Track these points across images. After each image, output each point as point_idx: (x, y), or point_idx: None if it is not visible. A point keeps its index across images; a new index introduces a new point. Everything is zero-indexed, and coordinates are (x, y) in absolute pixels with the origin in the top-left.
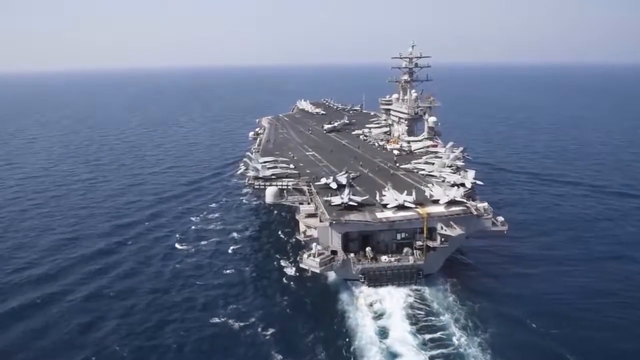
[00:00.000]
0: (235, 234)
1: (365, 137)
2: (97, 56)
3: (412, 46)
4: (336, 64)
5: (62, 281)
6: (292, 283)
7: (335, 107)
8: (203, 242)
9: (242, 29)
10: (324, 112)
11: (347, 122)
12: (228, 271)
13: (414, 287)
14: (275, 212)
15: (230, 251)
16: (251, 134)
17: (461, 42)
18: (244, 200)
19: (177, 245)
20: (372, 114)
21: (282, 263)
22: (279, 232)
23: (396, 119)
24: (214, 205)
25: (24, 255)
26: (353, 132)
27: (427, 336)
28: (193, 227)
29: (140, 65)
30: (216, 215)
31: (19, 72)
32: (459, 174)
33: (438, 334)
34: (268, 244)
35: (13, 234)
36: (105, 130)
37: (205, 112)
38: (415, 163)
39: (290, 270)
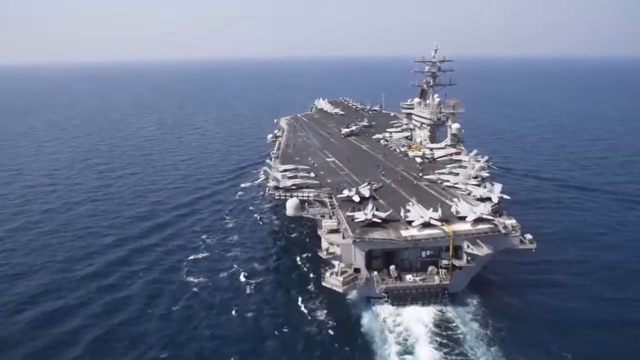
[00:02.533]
0: (253, 250)
1: (386, 142)
2: (104, 49)
3: (435, 50)
4: (348, 56)
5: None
6: (313, 299)
7: (354, 106)
8: (218, 268)
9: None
10: (342, 113)
11: (367, 124)
12: (248, 291)
13: (439, 306)
14: (295, 225)
15: (248, 271)
16: (269, 136)
17: (461, 36)
18: (263, 211)
19: (188, 278)
20: (392, 114)
21: (303, 278)
22: (300, 247)
23: (418, 124)
24: (229, 218)
25: (22, 284)
26: (373, 137)
27: (451, 358)
28: (206, 249)
29: (146, 58)
30: (232, 228)
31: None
32: (485, 187)
33: (462, 357)
34: (288, 259)
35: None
36: (116, 132)
37: (220, 110)
38: (439, 173)
39: (312, 287)
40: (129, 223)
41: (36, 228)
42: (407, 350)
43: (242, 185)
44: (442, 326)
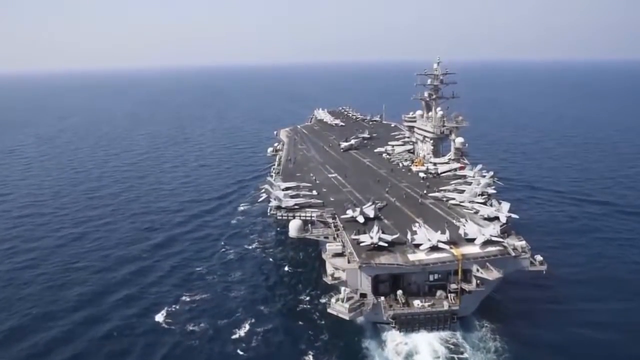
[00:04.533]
0: (255, 274)
1: (388, 156)
2: (96, 57)
3: (438, 63)
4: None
5: None
6: (318, 326)
7: (354, 117)
8: (213, 305)
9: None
10: (342, 124)
11: (368, 136)
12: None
13: (448, 331)
14: (299, 247)
15: (248, 297)
16: (270, 150)
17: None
18: (265, 234)
19: (164, 325)
20: (392, 125)
21: (308, 303)
22: (303, 271)
23: (420, 137)
24: (229, 247)
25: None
26: (375, 150)
27: None
28: (201, 278)
29: (141, 65)
30: (232, 259)
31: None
32: (492, 205)
33: None
34: (292, 283)
35: None
36: (108, 149)
37: (218, 122)
38: (444, 190)
39: (317, 312)
40: (115, 261)
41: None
42: None
43: (241, 207)
44: (451, 351)
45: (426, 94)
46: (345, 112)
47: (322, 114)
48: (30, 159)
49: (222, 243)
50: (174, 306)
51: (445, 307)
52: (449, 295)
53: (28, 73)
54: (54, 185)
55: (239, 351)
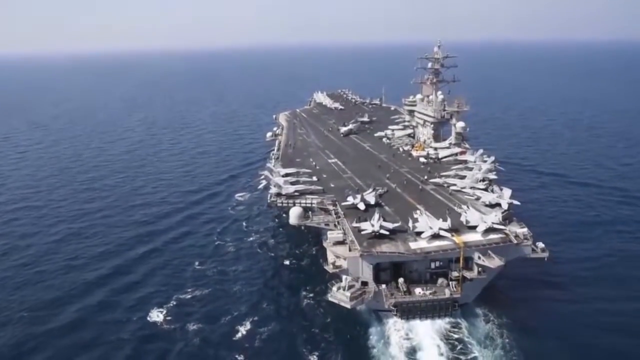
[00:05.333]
0: (250, 262)
1: (388, 140)
2: (88, 39)
3: (438, 46)
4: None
5: None
6: (319, 314)
7: (353, 100)
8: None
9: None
10: (342, 107)
11: (367, 120)
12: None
13: (449, 319)
14: (299, 234)
15: (249, 283)
16: (269, 134)
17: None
18: (264, 223)
19: (162, 324)
20: (392, 108)
21: (310, 294)
22: (304, 258)
23: (421, 122)
24: (228, 240)
25: None
26: (375, 135)
27: None
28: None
29: (136, 48)
30: (230, 245)
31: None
32: (494, 192)
33: None
34: (292, 273)
35: None
36: (104, 136)
37: (216, 106)
38: (445, 176)
39: (318, 302)
40: (109, 253)
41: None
42: None
43: (241, 194)
44: (453, 338)
45: (427, 79)
46: (345, 95)
47: (322, 97)
48: (24, 147)
49: (220, 233)
50: (171, 303)
51: (447, 295)
52: (450, 283)
53: (18, 55)
54: (49, 176)
55: (239, 344)
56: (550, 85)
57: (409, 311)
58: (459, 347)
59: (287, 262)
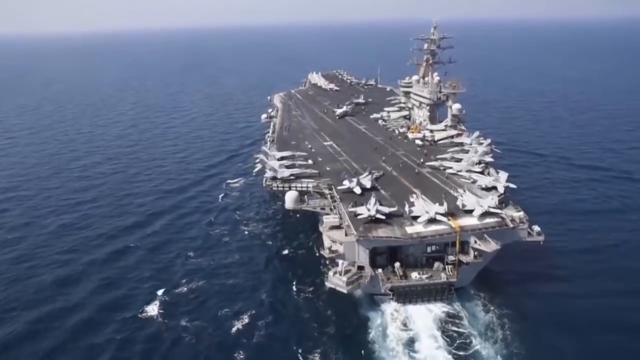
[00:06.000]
0: (247, 247)
1: (384, 122)
2: (76, 19)
3: (434, 27)
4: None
5: None
6: (315, 299)
7: (349, 81)
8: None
9: None
10: (337, 88)
11: (363, 101)
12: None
13: (445, 302)
14: (295, 219)
15: (243, 261)
16: (264, 116)
17: None
18: (260, 205)
19: (157, 319)
20: (388, 89)
21: (305, 276)
22: (300, 243)
23: (417, 103)
24: (223, 228)
25: None
26: (371, 116)
27: (457, 356)
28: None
29: (126, 27)
30: (226, 231)
31: None
32: (490, 175)
33: (469, 354)
34: (289, 262)
35: None
36: (95, 119)
37: (210, 88)
38: (441, 159)
39: (314, 285)
40: (100, 238)
41: None
42: (413, 347)
43: (236, 179)
44: (449, 322)
45: (424, 59)
46: (340, 76)
47: (317, 78)
48: (14, 131)
49: (213, 221)
50: (164, 297)
51: (443, 279)
52: (446, 267)
53: (4, 34)
54: (40, 163)
55: (236, 341)
56: (549, 65)
57: (405, 295)
58: (454, 329)
59: (285, 252)
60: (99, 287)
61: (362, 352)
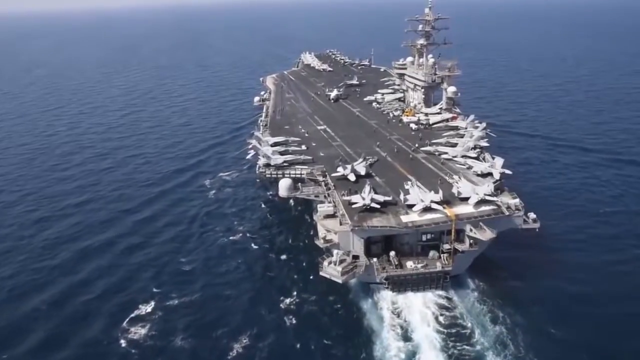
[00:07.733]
0: (241, 235)
1: (378, 105)
2: None
3: (429, 7)
4: None
5: None
6: (310, 287)
7: (342, 61)
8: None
9: None
10: (331, 69)
11: (357, 82)
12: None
13: (440, 290)
14: (288, 206)
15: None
16: (256, 99)
17: None
18: (254, 194)
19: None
20: (381, 69)
21: (299, 266)
22: (294, 232)
23: (411, 86)
24: (213, 204)
25: None
26: (365, 99)
27: (453, 343)
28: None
29: (111, 5)
30: (212, 216)
31: None
32: (485, 161)
33: (464, 341)
34: (282, 246)
35: None
36: (81, 106)
37: (200, 69)
38: (436, 144)
39: (309, 275)
40: (86, 250)
41: None
42: (408, 335)
43: (228, 168)
44: (444, 310)
45: (418, 42)
46: (333, 56)
47: (310, 59)
48: None
49: (205, 219)
50: (156, 313)
51: (438, 268)
52: (441, 255)
53: None
54: (23, 154)
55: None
56: (547, 45)
57: (400, 284)
58: (449, 317)
59: (280, 245)
60: (77, 303)
61: (357, 340)
